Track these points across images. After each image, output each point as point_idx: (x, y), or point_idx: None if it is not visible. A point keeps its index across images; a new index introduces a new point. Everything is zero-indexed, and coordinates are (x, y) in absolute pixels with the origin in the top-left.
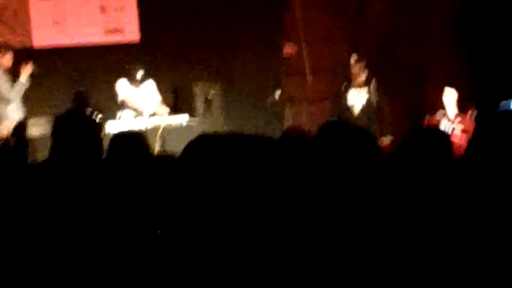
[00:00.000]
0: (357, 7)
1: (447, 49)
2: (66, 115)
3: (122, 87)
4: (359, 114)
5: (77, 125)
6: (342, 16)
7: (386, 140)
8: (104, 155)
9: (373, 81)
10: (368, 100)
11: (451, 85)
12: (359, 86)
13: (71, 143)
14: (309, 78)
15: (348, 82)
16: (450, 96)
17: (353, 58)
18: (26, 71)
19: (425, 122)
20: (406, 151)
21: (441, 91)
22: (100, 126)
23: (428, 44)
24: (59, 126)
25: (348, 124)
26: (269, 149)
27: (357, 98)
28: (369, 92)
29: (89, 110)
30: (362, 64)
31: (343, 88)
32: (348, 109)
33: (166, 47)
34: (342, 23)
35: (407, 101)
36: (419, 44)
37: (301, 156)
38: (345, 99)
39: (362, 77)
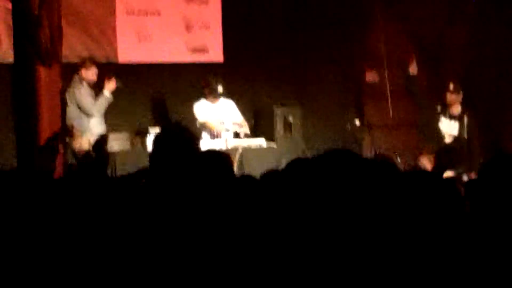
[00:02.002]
0: (439, 36)
1: None
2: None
3: (201, 108)
4: (450, 144)
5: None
6: (423, 44)
7: (472, 176)
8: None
9: (466, 117)
10: (460, 132)
11: None
12: (453, 116)
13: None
14: (390, 104)
15: (442, 111)
16: None
17: (450, 87)
18: (110, 86)
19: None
20: (486, 183)
21: None
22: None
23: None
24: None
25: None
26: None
27: (449, 128)
28: (461, 125)
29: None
30: (459, 95)
31: (436, 115)
32: (440, 137)
33: (249, 68)
34: (422, 51)
35: (493, 134)
36: (503, 74)
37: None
38: (439, 126)
39: (457, 108)
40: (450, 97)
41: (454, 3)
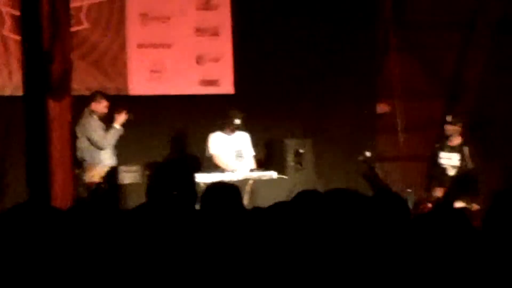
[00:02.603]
0: (455, 66)
1: None
2: (162, 164)
3: (214, 141)
4: (453, 177)
5: (171, 174)
6: (438, 74)
7: (474, 207)
8: (195, 205)
9: (467, 147)
10: (462, 164)
11: None
12: (453, 148)
13: (164, 191)
14: (402, 136)
15: (441, 143)
16: None
17: (448, 119)
18: (120, 118)
19: None
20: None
21: None
22: (192, 177)
23: None
24: (154, 174)
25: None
26: (360, 207)
27: (449, 160)
28: (462, 156)
29: (182, 160)
30: (457, 127)
31: (435, 149)
32: (442, 170)
33: (260, 100)
34: (438, 81)
35: (503, 163)
36: None
37: (391, 215)
38: (438, 159)
39: (457, 140)
40: (449, 128)
41: (470, 34)
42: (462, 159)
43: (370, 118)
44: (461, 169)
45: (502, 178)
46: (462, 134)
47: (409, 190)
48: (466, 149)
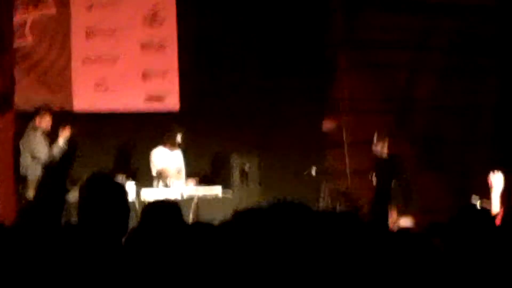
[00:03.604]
0: (405, 85)
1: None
2: (94, 180)
3: (159, 155)
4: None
5: (104, 190)
6: (389, 92)
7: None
8: (136, 223)
9: (395, 160)
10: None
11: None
12: (384, 164)
13: (99, 209)
14: (348, 151)
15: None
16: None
17: (375, 137)
18: (64, 134)
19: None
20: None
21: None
22: (125, 193)
23: (476, 123)
24: (87, 191)
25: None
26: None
27: (385, 172)
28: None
29: (121, 176)
30: (384, 143)
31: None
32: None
33: (205, 117)
34: (387, 98)
35: (452, 179)
36: (467, 124)
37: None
38: (378, 171)
39: (385, 155)
40: (376, 147)
41: (421, 52)
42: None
43: (318, 134)
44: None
45: (445, 192)
46: (391, 148)
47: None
48: (397, 163)
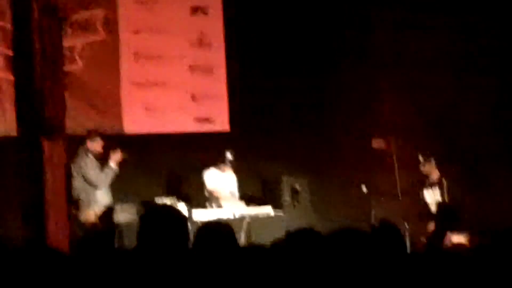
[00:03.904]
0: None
1: None
2: (151, 204)
3: (211, 177)
4: (436, 212)
5: (161, 214)
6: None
7: (462, 239)
8: (191, 244)
9: (444, 180)
10: (443, 198)
11: None
12: (432, 184)
13: (156, 232)
14: (397, 172)
15: (421, 180)
16: None
17: (421, 158)
18: (115, 157)
19: None
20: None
21: None
22: (184, 216)
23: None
24: (145, 214)
25: None
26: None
27: (431, 196)
28: (442, 191)
29: (172, 199)
30: (431, 163)
31: (417, 187)
32: (426, 206)
33: (255, 138)
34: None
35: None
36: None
37: (389, 252)
38: (422, 196)
39: (434, 175)
40: (424, 168)
41: (462, 71)
42: (442, 192)
43: (365, 154)
44: (442, 204)
45: (492, 210)
46: (438, 169)
47: (405, 224)
48: (444, 182)
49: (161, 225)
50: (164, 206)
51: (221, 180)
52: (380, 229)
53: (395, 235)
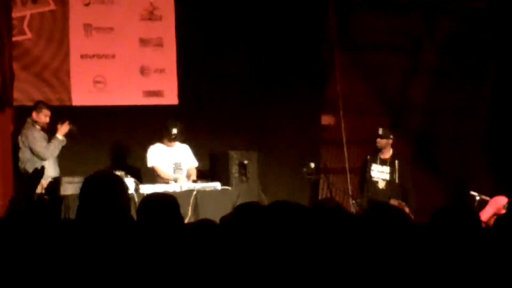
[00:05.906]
0: (400, 84)
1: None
2: (95, 175)
3: (153, 153)
4: (383, 189)
5: (105, 186)
6: (384, 92)
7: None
8: (135, 216)
9: (397, 158)
10: (391, 176)
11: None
12: (384, 161)
13: (98, 204)
14: (346, 149)
15: (373, 156)
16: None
17: (379, 131)
18: (63, 129)
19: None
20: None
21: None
22: (126, 188)
23: (471, 125)
24: (88, 186)
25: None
26: (303, 219)
27: (380, 174)
28: (393, 170)
29: (120, 173)
30: (388, 140)
31: (366, 162)
32: (373, 183)
33: (204, 112)
34: (383, 99)
35: (447, 179)
36: (462, 124)
37: (334, 227)
38: (370, 171)
39: (388, 153)
40: (380, 142)
41: (416, 53)
42: (393, 171)
43: (315, 131)
44: (390, 183)
45: (446, 194)
46: (393, 147)
47: (352, 201)
48: (397, 162)
49: (101, 194)
50: (106, 174)
51: (165, 155)
52: (321, 204)
53: (337, 209)
